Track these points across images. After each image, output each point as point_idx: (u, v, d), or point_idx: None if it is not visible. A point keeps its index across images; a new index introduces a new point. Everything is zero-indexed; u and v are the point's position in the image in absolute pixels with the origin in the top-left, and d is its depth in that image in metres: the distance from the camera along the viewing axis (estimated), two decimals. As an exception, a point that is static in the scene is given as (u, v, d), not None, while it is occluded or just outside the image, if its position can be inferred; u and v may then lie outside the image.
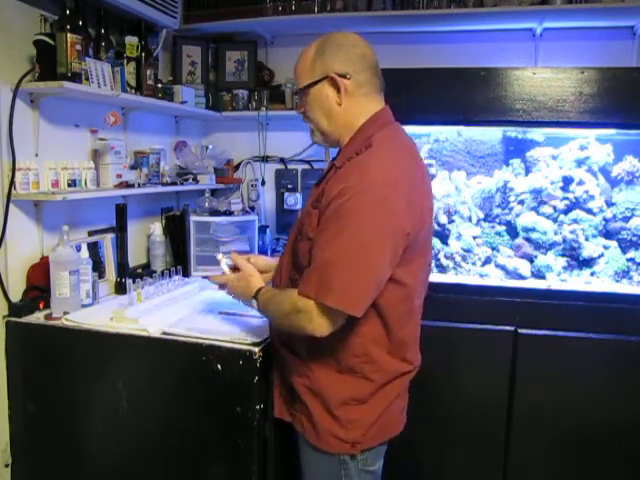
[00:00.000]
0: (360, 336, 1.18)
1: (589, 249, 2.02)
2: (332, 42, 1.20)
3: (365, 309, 1.12)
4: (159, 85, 2.16)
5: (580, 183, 2.05)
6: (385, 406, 1.24)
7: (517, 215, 2.13)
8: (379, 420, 1.23)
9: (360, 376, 1.21)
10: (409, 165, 1.20)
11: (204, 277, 2.14)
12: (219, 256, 1.59)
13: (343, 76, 1.17)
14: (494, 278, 2.08)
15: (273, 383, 1.39)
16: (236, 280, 1.39)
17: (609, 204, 2.06)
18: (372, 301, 1.13)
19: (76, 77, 1.63)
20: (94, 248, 1.89)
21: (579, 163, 2.07)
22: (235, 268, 1.53)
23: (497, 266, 2.11)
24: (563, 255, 2.06)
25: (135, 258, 2.19)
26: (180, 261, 2.21)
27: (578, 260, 2.05)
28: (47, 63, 1.60)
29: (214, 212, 2.31)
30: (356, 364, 1.20)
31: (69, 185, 1.75)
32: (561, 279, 2.03)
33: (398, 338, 1.22)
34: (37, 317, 1.62)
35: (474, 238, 2.14)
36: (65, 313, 1.60)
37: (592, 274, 2.03)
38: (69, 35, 1.59)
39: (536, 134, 2.10)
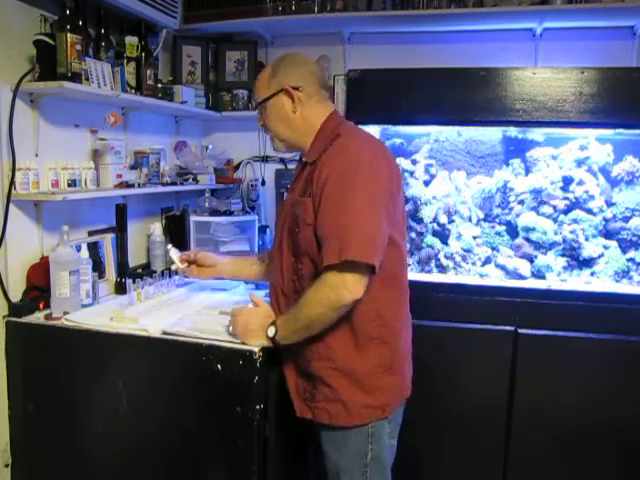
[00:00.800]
0: (372, 300, 1.28)
1: (589, 249, 2.02)
2: (285, 62, 1.40)
3: (378, 262, 1.22)
4: (159, 85, 2.16)
5: (580, 183, 2.05)
6: (400, 369, 1.38)
7: (517, 215, 2.13)
8: (399, 383, 1.38)
9: (379, 342, 1.31)
10: (379, 145, 1.38)
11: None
12: (169, 246, 1.78)
13: (296, 89, 1.36)
14: (494, 278, 2.08)
15: (287, 383, 1.41)
16: (252, 313, 1.44)
17: (609, 204, 2.06)
18: (381, 257, 1.23)
19: (76, 77, 1.63)
20: (94, 248, 1.89)
21: (579, 163, 2.07)
22: (187, 261, 1.73)
23: (497, 266, 2.11)
24: (563, 255, 2.06)
25: (135, 258, 2.18)
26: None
27: (578, 260, 2.05)
28: (47, 63, 1.60)
29: (214, 212, 2.31)
30: (373, 329, 1.30)
31: (69, 185, 1.75)
32: (561, 279, 2.03)
33: (398, 296, 1.38)
34: (37, 317, 1.62)
35: (474, 238, 2.14)
36: (65, 313, 1.60)
37: (592, 274, 2.03)
38: (69, 35, 1.58)
39: (536, 134, 2.09)
